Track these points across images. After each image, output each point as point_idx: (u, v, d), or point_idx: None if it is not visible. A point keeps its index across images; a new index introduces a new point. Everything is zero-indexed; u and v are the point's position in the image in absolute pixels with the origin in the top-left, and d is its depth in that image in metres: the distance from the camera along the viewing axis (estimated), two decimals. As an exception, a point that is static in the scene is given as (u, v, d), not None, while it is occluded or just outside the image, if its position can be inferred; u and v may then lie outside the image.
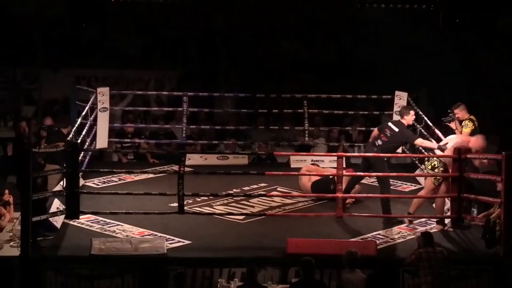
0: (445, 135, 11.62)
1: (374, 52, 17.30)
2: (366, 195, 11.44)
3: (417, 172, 13.01)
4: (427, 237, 9.14)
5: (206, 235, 10.24)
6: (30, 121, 14.41)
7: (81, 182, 11.65)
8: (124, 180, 12.73)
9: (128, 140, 14.07)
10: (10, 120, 15.82)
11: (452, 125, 11.54)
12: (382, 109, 14.47)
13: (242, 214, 10.84)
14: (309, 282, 8.69)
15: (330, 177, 11.39)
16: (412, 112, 11.38)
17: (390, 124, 11.32)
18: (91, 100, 13.19)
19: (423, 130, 12.88)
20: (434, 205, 11.17)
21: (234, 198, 11.62)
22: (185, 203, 10.08)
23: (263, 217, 10.79)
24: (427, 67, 16.49)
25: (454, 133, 11.40)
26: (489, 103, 15.54)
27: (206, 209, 11.20)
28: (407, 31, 17.25)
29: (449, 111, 11.56)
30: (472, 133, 11.28)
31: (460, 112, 11.43)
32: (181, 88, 15.95)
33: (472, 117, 11.38)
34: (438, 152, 10.83)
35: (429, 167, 10.85)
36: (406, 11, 17.84)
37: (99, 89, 13.52)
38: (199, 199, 11.54)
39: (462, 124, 11.40)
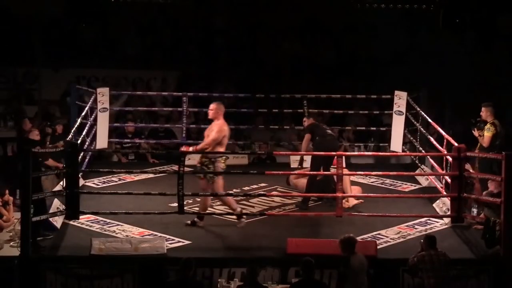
0: (448, 134, 11.67)
1: (374, 52, 17.31)
2: (366, 194, 11.43)
3: (417, 172, 13.03)
4: (430, 240, 9.10)
5: (206, 235, 10.25)
6: (33, 121, 14.41)
7: (81, 182, 11.66)
8: (124, 180, 12.73)
9: (128, 140, 14.06)
10: (10, 120, 15.82)
11: (475, 133, 11.55)
12: (382, 108, 14.49)
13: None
14: (309, 282, 8.69)
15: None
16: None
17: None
18: (91, 100, 13.20)
19: (422, 129, 12.89)
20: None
21: (234, 198, 11.60)
22: (185, 203, 10.08)
23: (263, 217, 10.79)
24: (427, 67, 16.50)
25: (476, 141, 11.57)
26: (489, 103, 15.53)
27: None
28: (407, 31, 17.27)
29: (476, 120, 11.59)
30: (493, 138, 11.28)
31: (485, 113, 11.47)
32: (181, 89, 15.95)
33: (495, 121, 11.39)
34: None
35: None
36: (406, 11, 17.86)
37: (99, 90, 13.53)
38: (199, 199, 11.54)
39: (485, 127, 11.39)
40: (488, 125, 11.38)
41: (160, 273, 9.35)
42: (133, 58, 17.44)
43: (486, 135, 11.33)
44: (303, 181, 11.72)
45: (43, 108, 15.53)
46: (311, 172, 11.86)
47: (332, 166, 11.89)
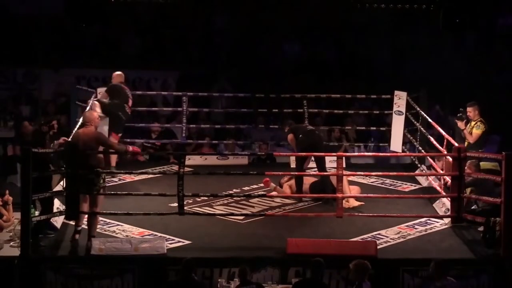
0: (448, 133, 11.70)
1: (374, 52, 17.32)
2: (366, 195, 11.43)
3: (417, 172, 13.03)
4: (443, 267, 8.68)
5: (206, 235, 10.24)
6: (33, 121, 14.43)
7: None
8: (124, 180, 12.72)
9: (142, 140, 14.09)
10: (10, 120, 15.83)
11: (461, 124, 11.64)
12: (382, 108, 14.50)
13: (242, 214, 10.83)
14: (310, 282, 8.69)
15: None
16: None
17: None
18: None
19: (422, 129, 12.89)
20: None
21: (234, 198, 11.62)
22: (185, 203, 10.08)
23: (263, 217, 10.79)
24: (427, 67, 16.52)
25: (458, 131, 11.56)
26: (489, 103, 15.55)
27: (206, 209, 11.20)
28: (407, 31, 17.27)
29: (461, 109, 11.71)
30: (482, 135, 11.40)
31: (472, 112, 11.64)
32: (181, 89, 15.96)
33: (482, 119, 11.49)
34: None
35: None
36: (406, 11, 17.85)
37: (99, 90, 13.53)
38: (199, 199, 11.54)
39: (474, 124, 11.50)
40: (478, 123, 11.56)
41: (160, 273, 9.35)
42: (133, 58, 17.45)
43: (476, 132, 11.51)
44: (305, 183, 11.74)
45: (41, 108, 15.56)
46: (312, 173, 11.88)
47: (332, 167, 11.92)
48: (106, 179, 10.26)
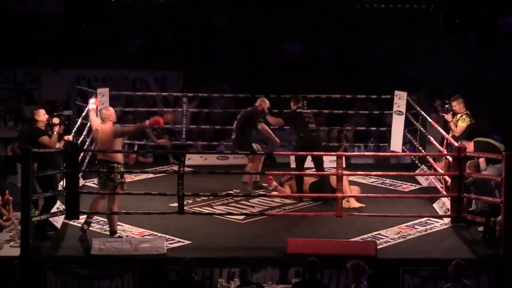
0: (446, 131, 11.72)
1: (374, 52, 17.32)
2: (366, 194, 11.43)
3: (417, 172, 13.03)
4: (459, 269, 8.64)
5: (206, 235, 10.24)
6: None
7: (81, 182, 11.66)
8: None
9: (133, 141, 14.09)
10: (10, 120, 15.83)
11: (448, 116, 11.74)
12: (382, 108, 14.50)
13: (242, 214, 10.83)
14: (310, 282, 8.69)
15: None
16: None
17: None
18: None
19: (422, 129, 12.89)
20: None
21: (234, 198, 11.62)
22: (185, 203, 10.08)
23: (263, 217, 10.79)
24: (427, 67, 16.51)
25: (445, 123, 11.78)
26: (489, 103, 15.57)
27: (206, 209, 11.20)
28: (407, 31, 17.29)
29: (447, 101, 11.84)
30: (467, 128, 11.50)
31: (458, 105, 11.79)
32: (187, 89, 15.97)
33: (468, 112, 11.60)
34: None
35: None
36: (406, 11, 17.88)
37: (99, 90, 13.53)
38: (199, 199, 11.54)
39: (459, 117, 11.63)
40: (464, 115, 11.68)
41: (160, 273, 9.35)
42: (133, 58, 17.45)
43: (461, 125, 11.64)
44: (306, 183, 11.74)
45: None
46: (313, 173, 11.87)
47: (332, 167, 11.91)
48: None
